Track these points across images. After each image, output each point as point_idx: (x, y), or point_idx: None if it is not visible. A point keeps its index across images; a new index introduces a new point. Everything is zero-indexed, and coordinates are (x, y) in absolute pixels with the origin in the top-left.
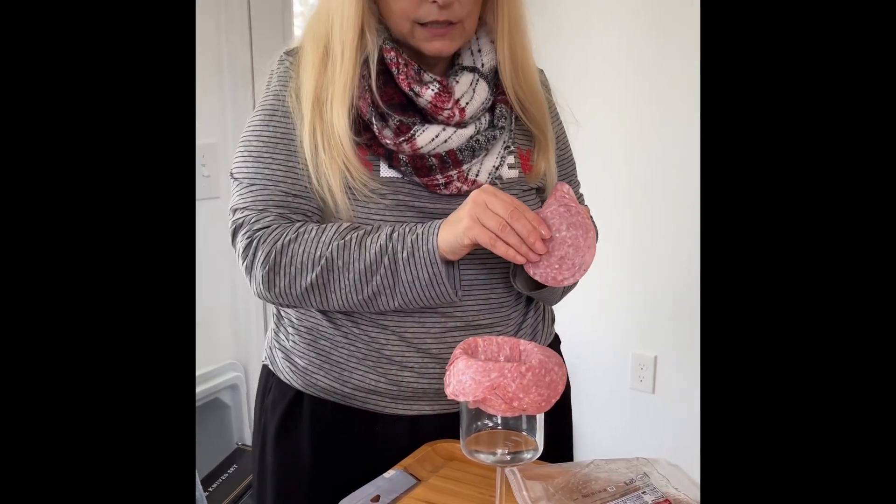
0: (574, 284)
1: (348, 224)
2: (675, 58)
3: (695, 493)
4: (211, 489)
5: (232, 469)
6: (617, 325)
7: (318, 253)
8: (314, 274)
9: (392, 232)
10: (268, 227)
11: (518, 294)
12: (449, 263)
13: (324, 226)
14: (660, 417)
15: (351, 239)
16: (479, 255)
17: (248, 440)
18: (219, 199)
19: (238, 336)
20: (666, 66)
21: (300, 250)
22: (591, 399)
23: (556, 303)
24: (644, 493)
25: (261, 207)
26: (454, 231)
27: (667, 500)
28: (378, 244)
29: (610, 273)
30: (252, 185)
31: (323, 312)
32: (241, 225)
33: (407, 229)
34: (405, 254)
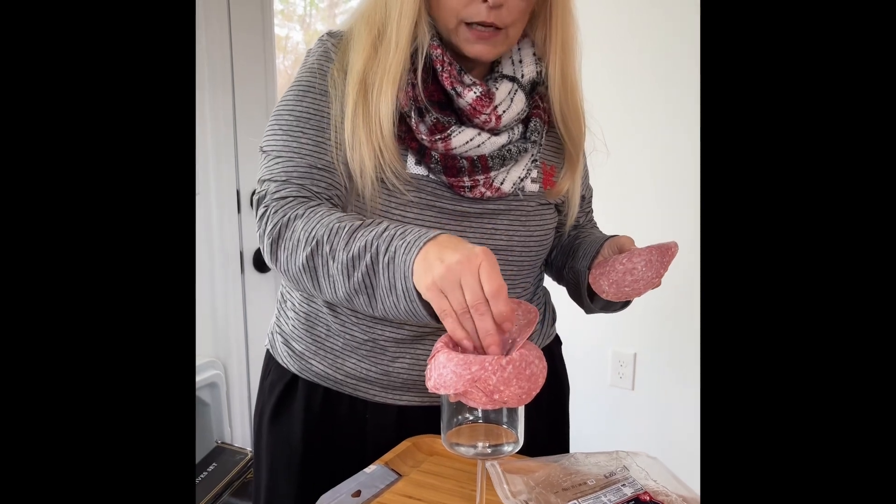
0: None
1: (355, 214)
2: (657, 51)
3: (674, 485)
4: None
5: (212, 467)
6: (597, 322)
7: (313, 232)
8: (306, 253)
9: (382, 228)
10: (284, 198)
11: (523, 296)
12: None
13: (332, 209)
14: (639, 414)
15: (343, 226)
16: None
17: (228, 438)
18: (198, 195)
19: (217, 334)
20: (648, 66)
21: (301, 226)
22: (571, 396)
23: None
24: (624, 485)
25: (283, 178)
26: (420, 277)
27: (646, 493)
28: (365, 238)
29: None
30: (279, 157)
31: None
32: (263, 196)
33: (395, 231)
34: (385, 258)
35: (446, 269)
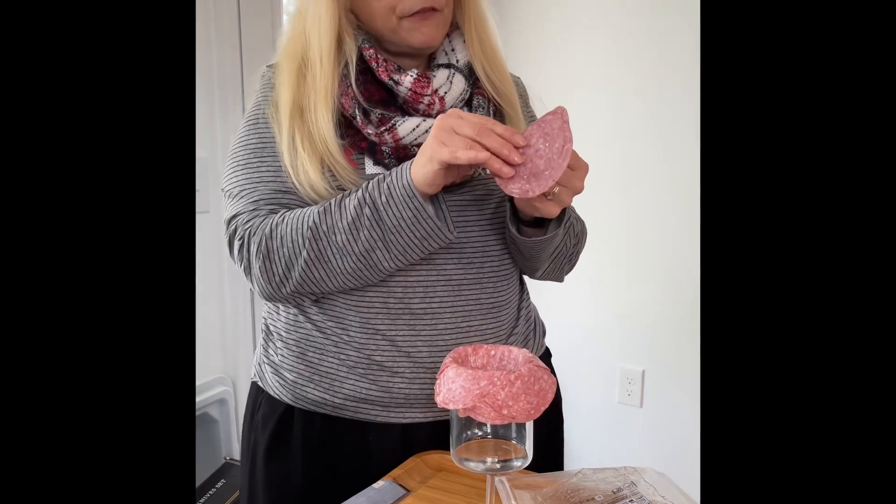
0: (574, 260)
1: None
2: (669, 58)
3: (682, 501)
4: None
5: (220, 484)
6: (605, 339)
7: (304, 225)
8: (305, 249)
9: (367, 184)
10: (254, 219)
11: (509, 297)
12: (431, 198)
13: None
14: (648, 431)
15: (331, 203)
16: (467, 255)
17: (237, 455)
18: (208, 213)
19: (227, 350)
20: (660, 68)
21: (287, 229)
22: (579, 413)
23: (553, 272)
24: (631, 501)
25: (252, 208)
26: (422, 160)
27: None
28: (356, 198)
29: (599, 287)
30: (242, 191)
31: (312, 322)
32: (235, 231)
33: (381, 176)
34: (383, 198)
35: (434, 133)
